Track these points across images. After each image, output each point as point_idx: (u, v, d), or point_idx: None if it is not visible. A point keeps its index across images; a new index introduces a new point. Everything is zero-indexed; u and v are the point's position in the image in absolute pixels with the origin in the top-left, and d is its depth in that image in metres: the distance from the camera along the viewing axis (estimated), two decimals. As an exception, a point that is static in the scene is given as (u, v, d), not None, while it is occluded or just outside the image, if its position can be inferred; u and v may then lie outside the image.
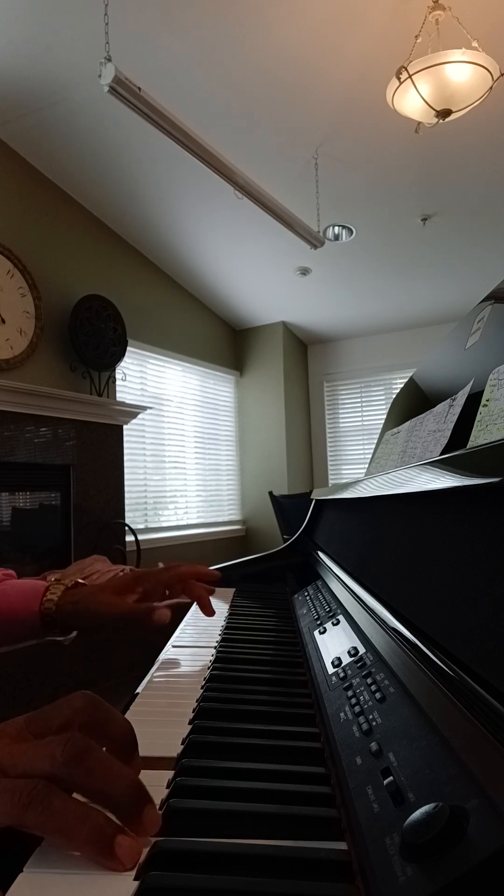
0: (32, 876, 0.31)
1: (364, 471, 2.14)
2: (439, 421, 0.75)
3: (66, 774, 0.32)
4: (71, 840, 0.31)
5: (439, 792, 0.30)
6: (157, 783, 0.41)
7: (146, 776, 0.37)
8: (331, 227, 3.86)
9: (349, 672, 0.55)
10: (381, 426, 1.87)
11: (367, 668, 0.53)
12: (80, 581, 0.79)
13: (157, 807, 0.34)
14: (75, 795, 0.32)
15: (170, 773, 0.42)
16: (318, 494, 1.43)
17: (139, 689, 0.63)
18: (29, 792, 0.31)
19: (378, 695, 0.46)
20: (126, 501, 3.75)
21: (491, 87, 2.18)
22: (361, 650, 0.58)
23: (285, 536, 3.99)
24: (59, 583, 0.78)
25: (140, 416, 3.88)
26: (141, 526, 3.99)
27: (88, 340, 3.44)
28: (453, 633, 0.43)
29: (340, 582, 0.86)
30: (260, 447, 5.14)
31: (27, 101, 2.93)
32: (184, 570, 0.79)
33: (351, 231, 3.88)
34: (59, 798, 0.31)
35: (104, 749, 0.35)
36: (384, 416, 1.53)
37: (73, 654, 2.71)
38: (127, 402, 3.82)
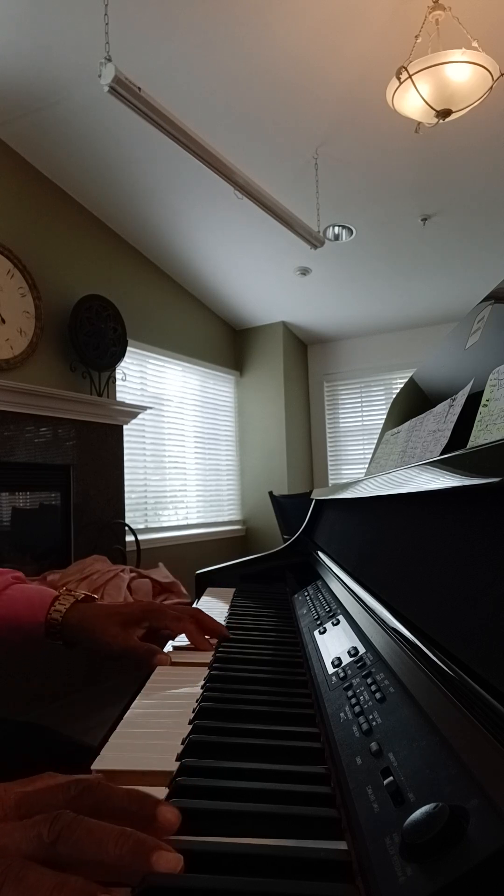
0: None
1: (364, 471, 2.14)
2: (439, 421, 0.75)
3: (56, 854, 0.31)
4: (105, 855, 0.30)
5: (439, 792, 0.30)
6: (157, 784, 0.41)
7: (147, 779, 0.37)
8: (331, 227, 3.85)
9: (349, 672, 0.55)
10: (381, 426, 1.87)
11: (367, 668, 0.53)
12: (91, 595, 0.78)
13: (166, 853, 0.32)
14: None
15: (170, 774, 0.42)
16: (318, 494, 1.43)
17: (139, 690, 0.63)
18: (2, 871, 0.30)
19: (378, 695, 0.46)
20: (126, 501, 3.75)
21: (491, 87, 2.18)
22: (361, 650, 0.58)
23: (285, 536, 3.99)
24: (70, 594, 0.77)
25: (140, 416, 3.88)
26: (141, 526, 3.99)
27: (88, 340, 3.44)
28: (453, 633, 0.43)
29: (340, 582, 0.85)
30: (260, 447, 5.14)
31: (27, 101, 2.93)
32: (191, 628, 0.77)
33: (351, 231, 3.88)
34: (35, 872, 0.30)
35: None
36: (384, 416, 1.53)
37: (73, 654, 2.71)
38: (127, 402, 3.81)
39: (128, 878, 0.31)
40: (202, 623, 0.78)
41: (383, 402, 5.19)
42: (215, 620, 0.80)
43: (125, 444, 3.81)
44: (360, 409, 5.31)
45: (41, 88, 2.84)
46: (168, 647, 0.79)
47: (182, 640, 0.79)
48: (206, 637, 0.78)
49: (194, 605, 1.08)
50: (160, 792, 0.40)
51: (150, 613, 0.76)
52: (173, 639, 0.80)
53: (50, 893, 0.29)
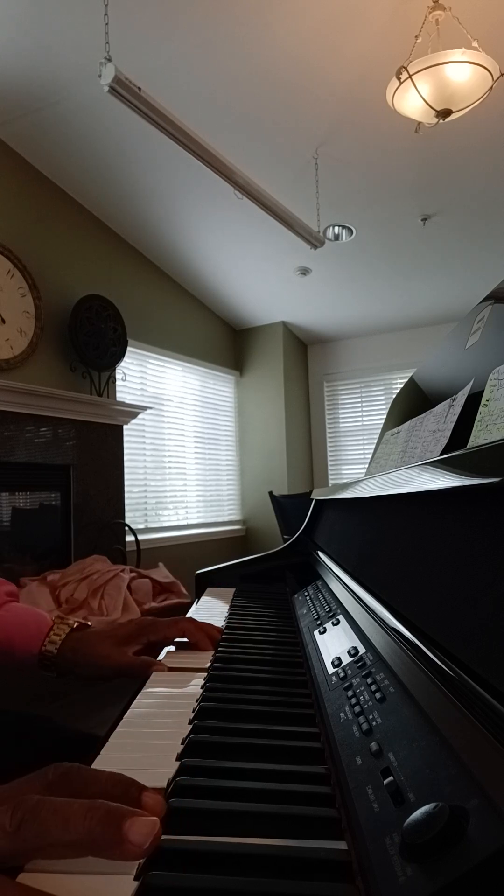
0: (32, 877, 0.30)
1: (364, 471, 2.14)
2: (439, 421, 0.75)
3: (21, 841, 0.29)
4: (73, 832, 0.29)
5: (439, 792, 0.30)
6: (156, 783, 0.41)
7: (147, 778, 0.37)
8: (331, 227, 3.85)
9: (349, 672, 0.55)
10: (381, 426, 1.87)
11: (367, 668, 0.53)
12: (85, 622, 0.78)
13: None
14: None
15: (170, 774, 0.42)
16: (318, 494, 1.43)
17: (139, 690, 0.63)
18: (14, 810, 0.29)
19: (378, 695, 0.46)
20: (126, 501, 3.75)
21: (491, 87, 2.18)
22: (361, 650, 0.58)
23: (285, 536, 3.99)
24: (64, 622, 0.76)
25: (140, 416, 3.88)
26: (141, 526, 3.99)
27: (88, 340, 3.44)
28: (453, 633, 0.43)
29: (340, 582, 0.86)
30: (260, 447, 5.14)
31: (27, 101, 2.93)
32: (189, 627, 0.77)
33: (351, 231, 3.88)
34: (47, 806, 0.29)
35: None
36: (384, 416, 1.53)
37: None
38: (127, 402, 3.82)
39: (103, 853, 0.29)
40: (195, 632, 0.78)
41: (383, 402, 5.19)
42: (207, 625, 0.79)
43: (125, 444, 3.81)
44: (360, 409, 5.31)
45: (41, 88, 2.84)
46: (168, 647, 0.79)
47: (182, 639, 0.79)
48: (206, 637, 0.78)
49: (194, 605, 1.08)
50: (160, 792, 0.40)
51: (146, 628, 0.76)
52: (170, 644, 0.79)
53: (75, 818, 0.29)
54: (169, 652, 0.77)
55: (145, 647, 0.76)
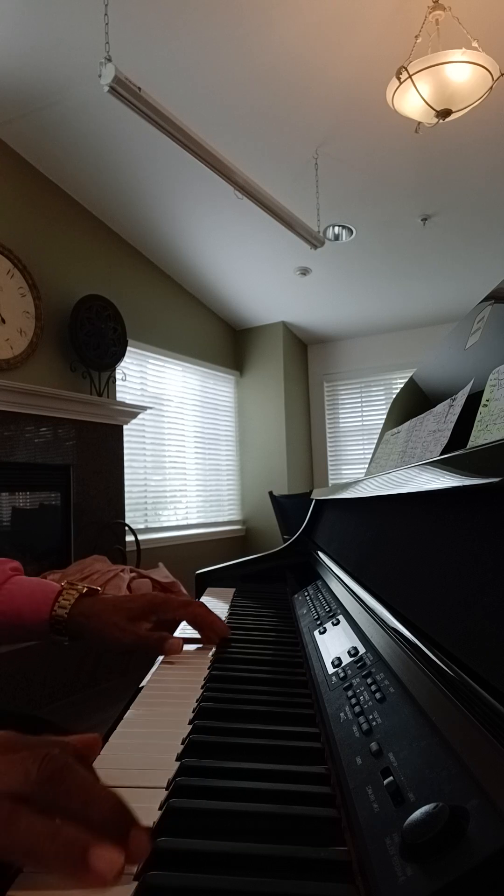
0: (20, 894, 0.28)
1: (364, 471, 2.14)
2: (439, 421, 0.75)
3: (41, 794, 0.28)
4: (39, 860, 0.27)
5: (439, 792, 0.30)
6: (156, 784, 0.41)
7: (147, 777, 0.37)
8: (331, 227, 3.85)
9: (349, 672, 0.55)
10: (381, 426, 1.87)
11: (367, 668, 0.53)
12: (94, 587, 0.77)
13: (148, 830, 0.31)
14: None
15: (170, 775, 0.42)
16: (318, 494, 1.43)
17: (139, 689, 0.63)
18: (43, 762, 0.28)
19: (378, 695, 0.46)
20: (126, 501, 3.75)
21: (491, 87, 2.18)
22: (361, 650, 0.58)
23: (285, 536, 3.99)
24: (73, 587, 0.76)
25: (140, 416, 3.88)
26: (141, 526, 3.99)
27: (88, 340, 3.44)
28: (453, 633, 0.43)
29: (340, 582, 0.86)
30: (260, 447, 5.14)
31: (27, 101, 2.93)
32: (201, 612, 0.77)
33: (351, 231, 3.88)
34: (25, 817, 0.28)
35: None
36: (384, 416, 1.53)
37: (74, 654, 2.71)
38: (127, 402, 3.82)
39: (106, 845, 0.29)
40: (206, 621, 0.78)
41: (383, 402, 5.19)
42: (217, 618, 0.79)
43: (125, 444, 3.80)
44: (360, 409, 5.31)
45: (41, 88, 2.84)
46: (176, 633, 0.79)
47: (186, 632, 0.79)
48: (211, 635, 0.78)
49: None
50: (160, 792, 0.40)
51: (157, 606, 0.75)
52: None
53: (42, 841, 0.27)
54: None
55: (154, 626, 0.76)
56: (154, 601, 0.76)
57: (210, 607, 0.79)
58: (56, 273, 3.47)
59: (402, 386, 1.31)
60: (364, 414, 5.28)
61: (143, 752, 0.47)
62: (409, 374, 1.34)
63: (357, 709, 0.47)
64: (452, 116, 2.26)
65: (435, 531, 0.56)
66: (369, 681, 0.50)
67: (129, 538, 3.62)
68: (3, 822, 0.27)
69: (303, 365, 5.50)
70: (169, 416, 4.42)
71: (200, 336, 4.81)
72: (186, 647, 0.77)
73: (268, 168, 3.30)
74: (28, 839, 0.27)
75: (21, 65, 2.71)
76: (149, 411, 4.08)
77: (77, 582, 0.78)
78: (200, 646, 0.77)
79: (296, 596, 1.07)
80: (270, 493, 4.43)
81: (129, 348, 3.81)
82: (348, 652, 0.60)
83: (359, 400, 5.32)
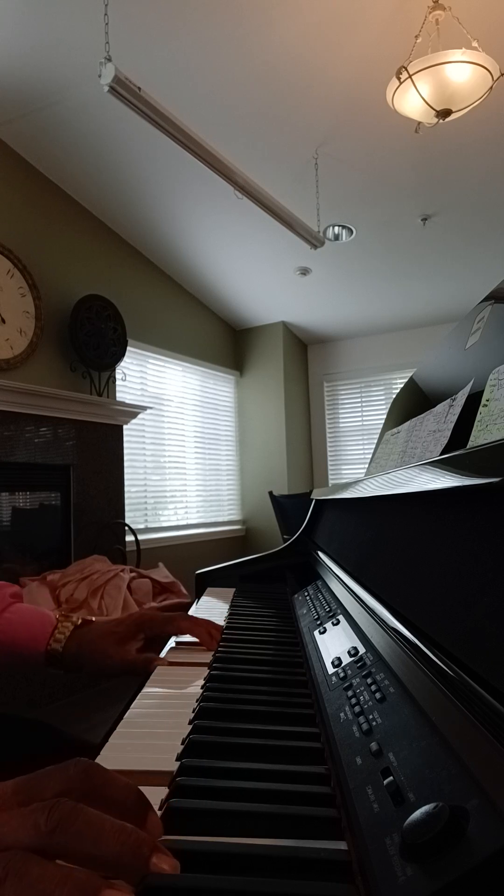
0: None
1: (364, 471, 2.14)
2: (439, 421, 0.75)
3: (53, 844, 0.29)
4: (103, 849, 0.29)
5: (439, 792, 0.30)
6: (157, 784, 0.41)
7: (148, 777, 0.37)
8: (331, 227, 3.85)
9: (349, 672, 0.55)
10: (381, 426, 1.87)
11: (367, 668, 0.53)
12: (89, 618, 0.80)
13: (170, 856, 0.31)
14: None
15: (170, 774, 0.42)
16: (318, 494, 1.43)
17: (139, 690, 0.63)
18: (3, 865, 0.28)
19: (378, 695, 0.46)
20: (126, 501, 3.75)
21: (491, 87, 2.18)
22: (361, 650, 0.58)
23: (285, 536, 3.99)
24: (68, 619, 0.79)
25: (140, 416, 3.88)
26: (141, 526, 3.99)
27: (88, 340, 3.44)
28: (453, 633, 0.43)
29: (340, 582, 0.85)
30: (260, 447, 5.14)
31: (27, 101, 2.93)
32: (185, 625, 0.79)
33: (351, 231, 3.88)
34: (38, 866, 0.28)
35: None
36: (384, 416, 1.53)
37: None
38: (127, 402, 3.81)
39: (123, 877, 0.30)
40: (192, 628, 0.79)
41: (383, 402, 5.19)
42: (205, 621, 0.80)
43: (125, 444, 3.81)
44: (360, 409, 5.31)
45: (41, 88, 2.84)
46: (168, 647, 0.79)
47: (183, 639, 0.79)
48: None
49: (194, 605, 1.08)
50: (160, 792, 0.40)
51: (144, 624, 0.78)
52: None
53: (54, 887, 0.28)
54: (171, 649, 0.77)
55: (146, 642, 0.78)
56: (140, 620, 0.79)
57: (210, 607, 0.80)
58: (56, 273, 3.47)
59: (402, 386, 1.31)
60: (364, 414, 5.28)
61: (143, 753, 0.47)
62: (409, 374, 1.34)
63: (357, 709, 0.47)
64: (452, 116, 2.26)
65: (435, 531, 0.56)
66: (369, 681, 0.50)
67: (129, 538, 3.62)
68: (14, 873, 0.28)
69: (303, 365, 5.50)
70: (169, 416, 4.42)
71: (200, 336, 4.81)
72: (186, 646, 0.77)
73: (268, 168, 3.30)
74: (40, 886, 0.28)
75: (21, 65, 2.71)
76: (149, 411, 4.08)
77: (71, 614, 0.81)
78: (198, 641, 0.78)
79: (296, 596, 1.07)
80: (270, 493, 4.43)
81: (129, 348, 3.81)
82: (348, 652, 0.60)
83: (359, 400, 5.32)
